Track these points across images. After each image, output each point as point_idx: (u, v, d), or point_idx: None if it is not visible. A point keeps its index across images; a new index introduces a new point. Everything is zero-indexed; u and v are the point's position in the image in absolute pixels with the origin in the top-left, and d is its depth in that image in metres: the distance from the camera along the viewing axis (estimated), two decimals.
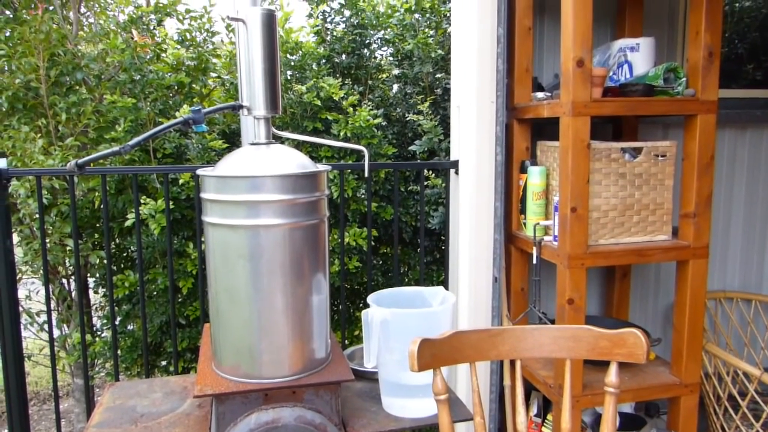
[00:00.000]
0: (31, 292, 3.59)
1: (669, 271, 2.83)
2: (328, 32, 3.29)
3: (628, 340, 1.40)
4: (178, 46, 3.15)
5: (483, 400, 2.42)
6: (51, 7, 3.13)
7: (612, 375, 1.40)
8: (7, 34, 2.93)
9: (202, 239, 2.31)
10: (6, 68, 2.87)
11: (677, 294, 2.21)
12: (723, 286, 2.98)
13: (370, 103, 3.16)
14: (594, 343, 1.44)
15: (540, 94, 2.28)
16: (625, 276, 2.64)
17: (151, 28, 3.23)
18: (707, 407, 2.66)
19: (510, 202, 2.44)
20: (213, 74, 3.18)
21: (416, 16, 3.28)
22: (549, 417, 2.46)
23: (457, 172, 2.49)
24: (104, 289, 3.22)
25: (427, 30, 3.18)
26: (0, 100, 2.86)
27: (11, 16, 3.18)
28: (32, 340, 3.81)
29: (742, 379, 2.41)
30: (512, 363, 2.40)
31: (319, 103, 2.94)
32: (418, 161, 3.07)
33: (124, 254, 3.15)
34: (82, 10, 3.52)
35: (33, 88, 2.86)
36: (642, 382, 2.21)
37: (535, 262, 2.21)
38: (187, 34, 3.19)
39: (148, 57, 2.98)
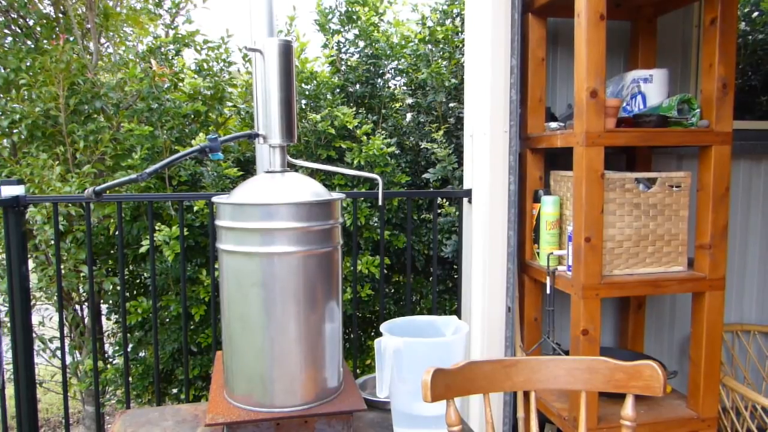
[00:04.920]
0: (44, 318, 3.60)
1: (685, 302, 2.80)
2: (343, 62, 3.33)
3: (645, 372, 1.38)
4: (195, 76, 3.20)
5: None
6: (72, 38, 3.20)
7: (628, 408, 1.38)
8: (29, 63, 2.99)
9: (216, 266, 2.31)
10: (26, 97, 2.92)
11: (693, 326, 2.18)
12: (740, 318, 2.94)
13: (383, 131, 3.19)
14: (610, 375, 1.42)
15: (553, 124, 2.29)
16: (640, 307, 2.61)
17: (170, 57, 3.29)
18: None
19: (523, 231, 2.44)
20: (229, 103, 3.23)
21: (429, 46, 3.32)
22: None
23: (470, 201, 2.49)
24: (117, 316, 3.22)
25: (440, 60, 3.21)
26: (20, 128, 2.91)
27: (33, 46, 3.26)
28: (44, 366, 3.82)
29: (761, 414, 2.36)
30: (526, 395, 2.36)
31: (333, 131, 2.97)
32: (432, 190, 3.08)
33: (137, 281, 3.16)
34: (102, 40, 3.59)
35: (52, 117, 2.91)
36: (658, 416, 2.17)
37: (548, 291, 2.19)
38: (205, 64, 3.24)
39: (165, 86, 3.03)
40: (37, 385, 2.61)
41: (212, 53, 3.27)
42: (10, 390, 2.35)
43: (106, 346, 3.48)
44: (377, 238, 2.97)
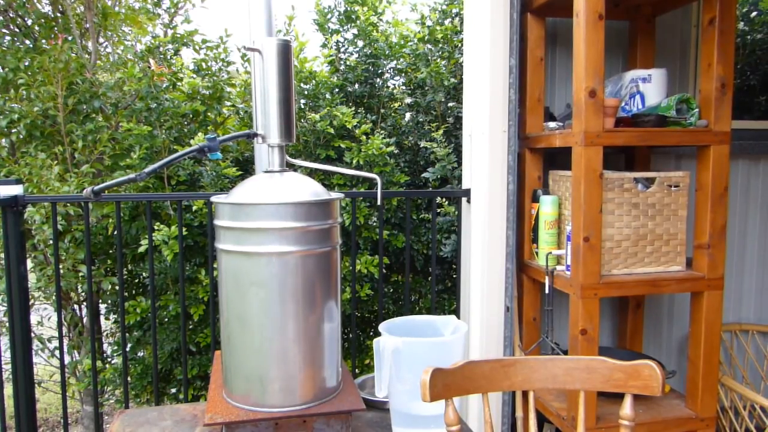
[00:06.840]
0: (43, 317, 3.59)
1: (683, 302, 2.80)
2: (342, 62, 3.33)
3: (643, 372, 1.38)
4: (194, 75, 3.19)
5: (495, 431, 2.38)
6: (70, 37, 3.20)
7: (627, 408, 1.38)
8: (27, 63, 2.98)
9: (214, 266, 2.31)
10: (25, 96, 2.91)
11: (692, 326, 2.18)
12: (738, 318, 2.94)
13: (382, 131, 3.19)
14: (608, 375, 1.42)
15: (552, 124, 2.29)
16: (639, 307, 2.61)
17: (168, 57, 3.28)
18: None
19: (522, 231, 2.44)
20: (227, 103, 3.22)
21: (428, 46, 3.32)
22: None
23: (469, 201, 2.49)
24: (115, 316, 3.22)
25: (439, 60, 3.21)
26: (18, 128, 2.90)
27: (31, 45, 3.25)
28: (43, 366, 3.81)
29: (759, 413, 2.36)
30: (525, 394, 2.37)
31: (332, 131, 2.97)
32: (430, 189, 3.08)
33: (136, 280, 3.16)
34: (101, 40, 3.59)
35: (51, 116, 2.91)
36: (656, 415, 2.18)
37: (547, 291, 2.19)
38: (203, 64, 3.24)
39: (164, 86, 3.03)
40: (36, 385, 2.60)
41: (211, 53, 3.27)
42: (8, 390, 2.34)
43: (105, 345, 3.48)
44: (376, 238, 2.97)
